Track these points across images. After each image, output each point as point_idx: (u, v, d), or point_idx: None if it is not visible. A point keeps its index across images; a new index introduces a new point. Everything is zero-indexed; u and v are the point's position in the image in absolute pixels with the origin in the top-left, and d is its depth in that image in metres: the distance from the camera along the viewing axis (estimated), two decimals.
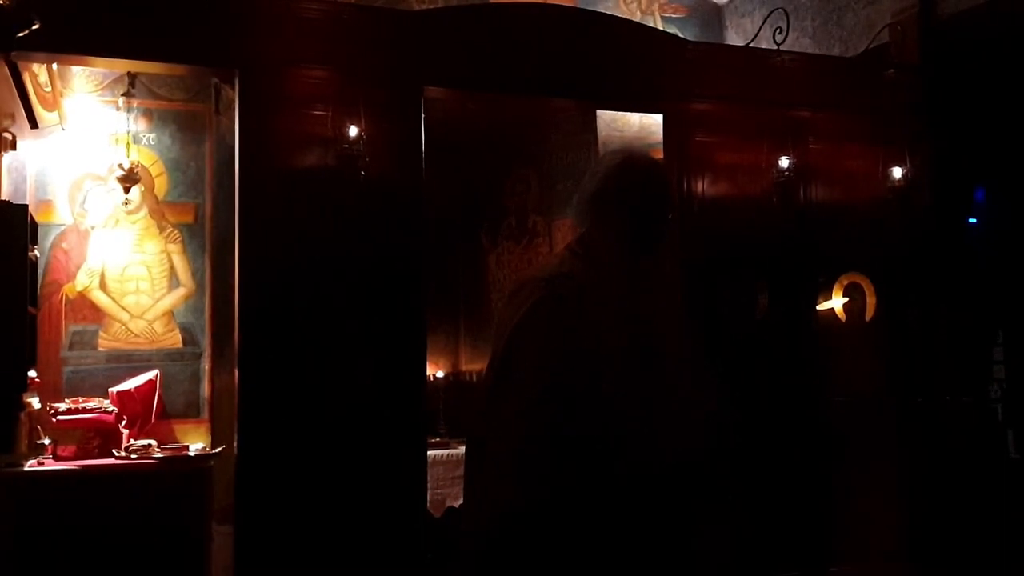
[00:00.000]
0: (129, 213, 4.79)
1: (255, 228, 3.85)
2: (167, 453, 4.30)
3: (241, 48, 3.89)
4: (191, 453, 4.38)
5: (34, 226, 4.36)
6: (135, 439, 4.37)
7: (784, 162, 4.71)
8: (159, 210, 4.86)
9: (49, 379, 4.53)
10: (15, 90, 3.87)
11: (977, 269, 5.06)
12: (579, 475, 1.72)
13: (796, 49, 5.25)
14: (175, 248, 4.86)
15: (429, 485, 4.43)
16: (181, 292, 4.86)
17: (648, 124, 5.82)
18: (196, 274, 4.88)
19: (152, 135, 4.86)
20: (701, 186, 4.64)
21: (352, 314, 3.89)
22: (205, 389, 4.84)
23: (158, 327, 4.80)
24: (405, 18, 4.31)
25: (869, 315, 4.85)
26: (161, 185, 4.87)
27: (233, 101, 3.97)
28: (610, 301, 1.83)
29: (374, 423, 3.88)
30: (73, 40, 3.74)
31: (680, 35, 5.26)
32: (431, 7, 4.45)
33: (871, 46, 5.06)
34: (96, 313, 4.71)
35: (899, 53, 4.94)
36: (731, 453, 1.87)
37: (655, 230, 1.95)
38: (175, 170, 4.89)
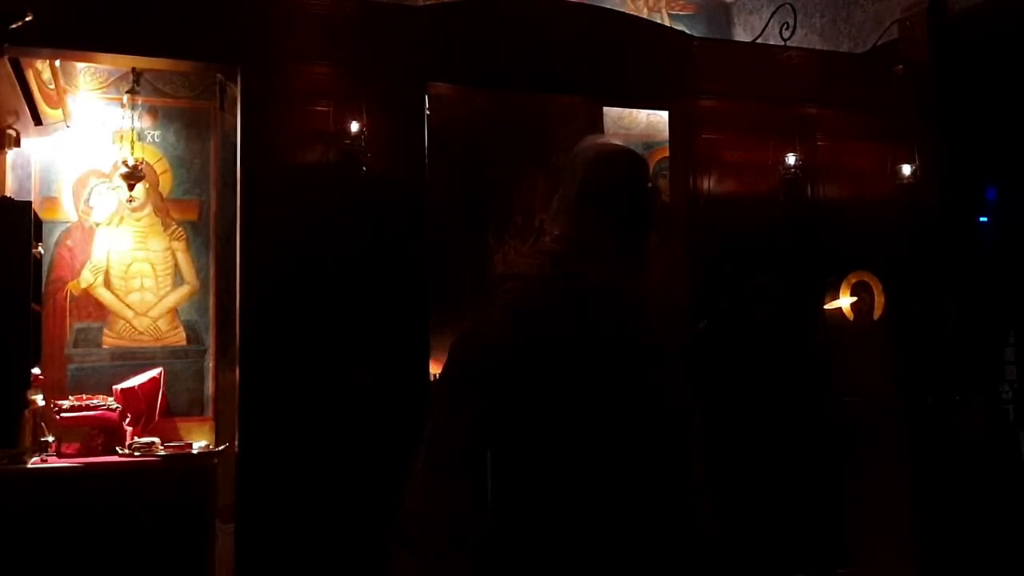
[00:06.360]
0: (133, 210, 4.78)
1: (257, 224, 3.83)
2: (170, 451, 4.31)
3: (243, 43, 3.88)
4: (194, 451, 4.38)
5: (38, 223, 4.37)
6: (139, 437, 4.37)
7: (791, 159, 4.67)
8: (163, 207, 4.85)
9: (53, 376, 4.53)
10: (18, 87, 3.87)
11: (988, 268, 4.99)
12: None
13: (804, 45, 5.21)
14: (179, 245, 4.85)
15: None
16: (185, 289, 4.85)
17: (655, 122, 5.78)
18: (200, 271, 4.87)
19: (157, 132, 4.85)
20: (707, 183, 4.60)
21: (354, 311, 3.87)
22: (209, 386, 4.83)
23: (162, 324, 4.80)
24: (408, 13, 4.28)
25: (877, 314, 4.80)
26: (166, 182, 4.86)
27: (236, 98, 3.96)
28: (582, 302, 1.73)
29: (376, 420, 3.85)
30: (75, 36, 3.73)
31: (688, 32, 5.21)
32: (435, 1, 4.42)
33: (880, 42, 5.01)
34: (100, 310, 4.71)
35: (908, 49, 4.88)
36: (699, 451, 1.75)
37: (637, 227, 1.80)
38: (180, 167, 4.89)
